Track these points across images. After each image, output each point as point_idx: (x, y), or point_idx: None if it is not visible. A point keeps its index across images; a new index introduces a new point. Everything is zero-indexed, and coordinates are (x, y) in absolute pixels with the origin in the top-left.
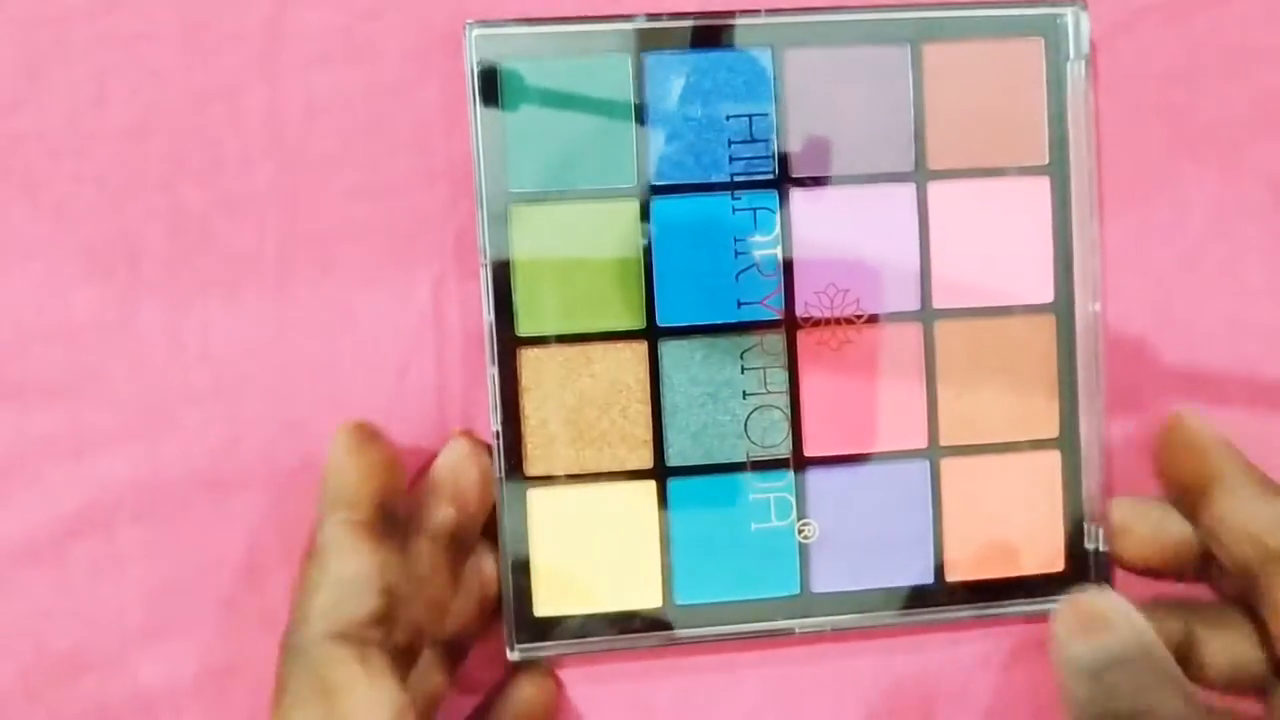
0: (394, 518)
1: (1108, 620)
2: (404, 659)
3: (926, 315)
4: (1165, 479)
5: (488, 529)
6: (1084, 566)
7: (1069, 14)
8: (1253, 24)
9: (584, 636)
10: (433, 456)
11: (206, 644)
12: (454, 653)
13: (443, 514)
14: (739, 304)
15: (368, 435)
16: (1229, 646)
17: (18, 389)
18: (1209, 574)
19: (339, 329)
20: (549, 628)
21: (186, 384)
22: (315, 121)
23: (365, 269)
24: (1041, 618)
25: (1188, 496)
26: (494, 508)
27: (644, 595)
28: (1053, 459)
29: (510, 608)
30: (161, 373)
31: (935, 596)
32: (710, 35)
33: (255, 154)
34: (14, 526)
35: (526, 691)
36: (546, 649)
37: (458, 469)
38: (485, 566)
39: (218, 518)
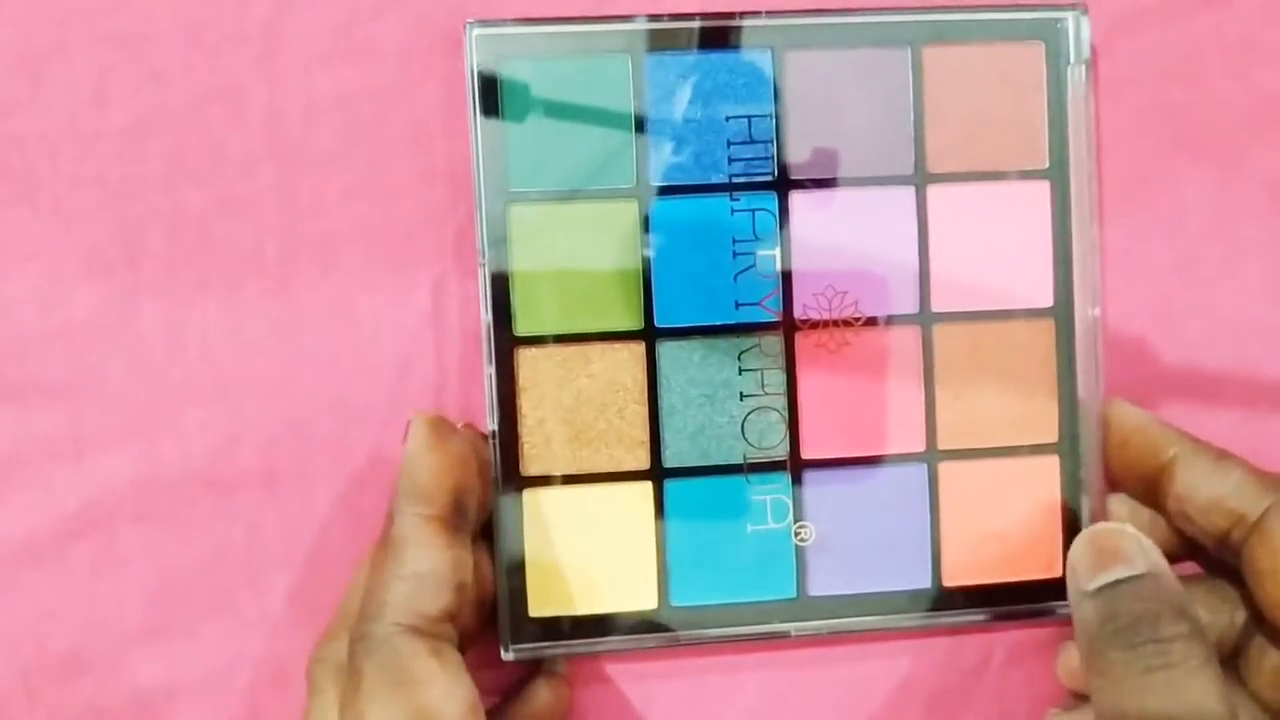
0: (466, 513)
1: (1122, 552)
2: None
3: (925, 318)
4: (1120, 473)
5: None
6: None
7: (1070, 18)
8: (1253, 24)
9: (579, 637)
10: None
11: (206, 644)
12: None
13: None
14: (737, 305)
15: (445, 430)
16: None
17: (18, 389)
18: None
19: (339, 329)
20: (544, 628)
21: (186, 384)
22: (315, 121)
23: (365, 269)
24: (1039, 622)
25: (1147, 484)
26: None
27: (640, 596)
28: (1051, 464)
29: (506, 608)
30: (161, 373)
31: (932, 601)
32: (711, 37)
33: (255, 154)
34: (14, 526)
35: (543, 696)
36: (541, 649)
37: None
38: (482, 566)
39: (218, 518)
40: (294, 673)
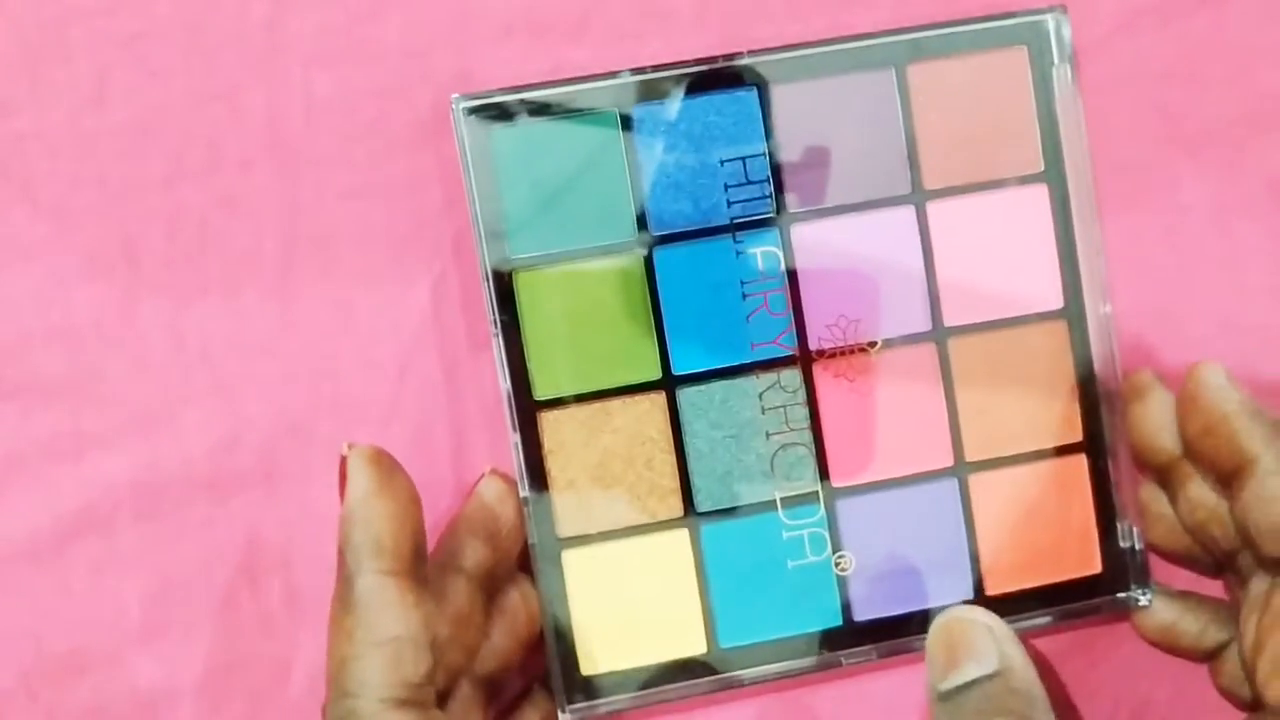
0: (424, 558)
1: (974, 646)
2: (444, 703)
3: (939, 334)
4: (1191, 446)
5: (524, 562)
6: (1121, 565)
7: (1050, 19)
8: (1252, 24)
9: (633, 690)
10: (435, 461)
11: (206, 644)
12: (491, 689)
13: (479, 553)
14: (752, 345)
15: (390, 467)
16: None
17: (18, 389)
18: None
19: (339, 329)
20: (597, 685)
21: (186, 384)
22: (315, 121)
23: (365, 268)
24: (1085, 621)
25: (1218, 470)
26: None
27: (689, 643)
28: (1079, 463)
29: (557, 669)
30: (161, 373)
31: None
32: (696, 82)
33: (255, 154)
34: (14, 526)
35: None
36: (597, 707)
37: (493, 507)
38: (522, 601)
39: (218, 518)
40: (294, 672)
